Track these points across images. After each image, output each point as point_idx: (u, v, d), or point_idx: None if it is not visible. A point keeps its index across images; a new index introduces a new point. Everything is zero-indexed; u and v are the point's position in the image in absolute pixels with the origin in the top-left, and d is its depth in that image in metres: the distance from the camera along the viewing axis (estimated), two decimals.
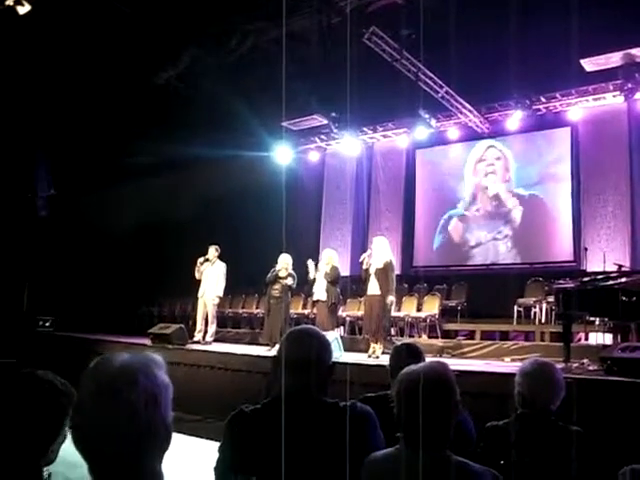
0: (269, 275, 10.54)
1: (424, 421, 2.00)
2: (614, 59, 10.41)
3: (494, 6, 10.25)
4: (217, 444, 2.23)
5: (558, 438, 2.89)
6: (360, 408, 2.22)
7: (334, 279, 10.04)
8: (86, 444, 1.31)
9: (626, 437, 4.95)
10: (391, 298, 9.20)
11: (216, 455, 2.19)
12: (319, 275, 10.14)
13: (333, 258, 10.33)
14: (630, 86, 10.93)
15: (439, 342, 10.75)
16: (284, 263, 10.47)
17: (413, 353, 3.54)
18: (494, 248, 13.25)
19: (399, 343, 3.89)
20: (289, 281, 10.43)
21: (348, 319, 12.21)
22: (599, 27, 9.50)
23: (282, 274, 10.46)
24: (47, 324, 14.37)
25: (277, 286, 10.49)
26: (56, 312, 14.66)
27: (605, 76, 11.08)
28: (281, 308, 10.40)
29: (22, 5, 9.17)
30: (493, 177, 13.58)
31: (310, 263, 10.33)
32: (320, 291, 10.05)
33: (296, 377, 2.15)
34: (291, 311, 12.73)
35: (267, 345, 10.22)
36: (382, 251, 9.37)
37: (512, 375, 3.17)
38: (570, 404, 3.44)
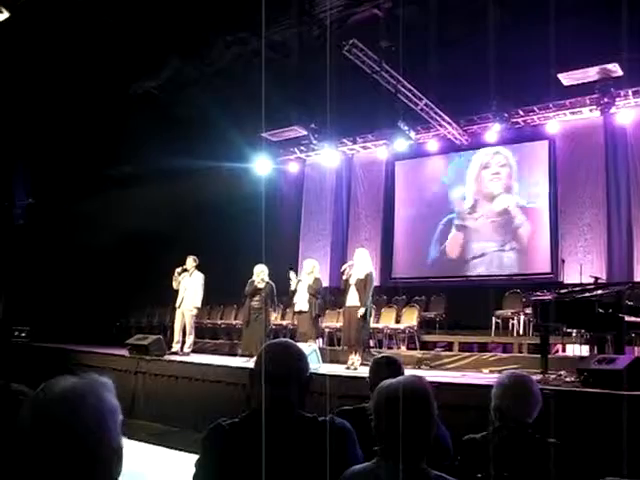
0: (248, 288, 10.48)
1: (403, 434, 2.00)
2: (591, 74, 10.54)
3: (473, 20, 10.35)
4: (195, 457, 2.22)
5: (535, 451, 2.89)
6: (339, 423, 2.22)
7: (316, 291, 10.00)
8: (29, 473, 1.25)
9: (603, 449, 4.98)
10: (362, 310, 9.12)
11: (193, 469, 2.17)
12: (301, 286, 10.09)
13: (316, 268, 10.29)
14: (606, 100, 11.07)
15: (418, 353, 10.76)
16: (260, 273, 10.42)
17: (393, 366, 3.54)
18: (498, 259, 13.09)
19: (379, 356, 3.88)
20: (274, 314, 10.45)
21: (327, 330, 12.20)
22: (576, 42, 9.62)
23: (260, 285, 10.42)
24: (23, 334, 14.18)
25: (257, 297, 10.44)
26: (32, 322, 14.48)
27: (582, 90, 11.22)
28: (261, 320, 10.35)
29: (0, 12, 9.11)
30: (498, 185, 13.42)
31: (292, 275, 10.28)
32: (302, 302, 9.98)
33: (275, 390, 2.14)
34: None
35: (246, 356, 10.16)
36: (364, 263, 9.36)
37: (490, 387, 3.17)
38: (547, 416, 3.46)
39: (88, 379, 1.35)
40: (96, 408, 1.29)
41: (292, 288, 10.20)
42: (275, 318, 11.04)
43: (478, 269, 13.28)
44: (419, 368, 9.93)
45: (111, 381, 1.38)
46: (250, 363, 9.40)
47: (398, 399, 2.04)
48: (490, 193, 13.45)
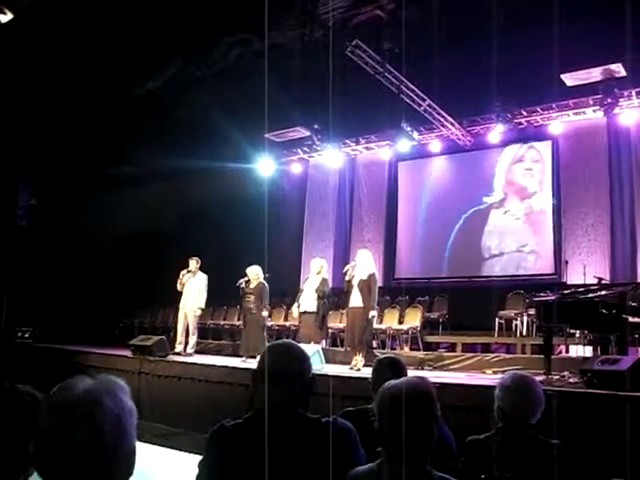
0: (240, 292, 10.72)
1: (406, 436, 2.00)
2: (594, 74, 10.52)
3: (476, 20, 10.33)
4: (198, 458, 2.22)
5: (539, 452, 2.89)
6: (342, 424, 2.21)
7: (324, 293, 9.92)
8: (50, 470, 1.26)
9: (606, 450, 4.97)
10: (373, 313, 9.17)
11: (196, 470, 2.17)
12: (308, 285, 10.07)
13: (324, 267, 10.25)
14: (609, 101, 11.04)
15: (420, 354, 10.75)
16: (253, 274, 10.60)
17: (396, 367, 3.53)
18: (518, 260, 12.89)
19: (382, 356, 3.87)
20: (264, 313, 10.57)
21: (330, 331, 12.18)
22: (580, 42, 9.61)
23: (252, 285, 10.56)
24: (26, 335, 14.21)
25: (251, 298, 10.55)
26: (36, 323, 14.51)
27: (585, 91, 11.20)
28: (254, 320, 10.48)
29: (4, 13, 9.12)
30: (530, 180, 13.15)
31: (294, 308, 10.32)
32: (308, 303, 9.88)
33: (278, 391, 2.13)
34: (272, 323, 12.79)
35: (245, 357, 10.30)
36: (366, 264, 9.34)
37: (493, 388, 3.17)
38: (551, 417, 3.45)
39: (105, 381, 1.36)
40: (114, 410, 1.30)
41: (294, 314, 10.32)
42: (269, 317, 11.21)
43: (495, 268, 13.13)
44: (422, 369, 9.92)
45: (126, 384, 1.40)
46: (250, 363, 9.50)
47: (401, 400, 2.04)
48: (522, 189, 13.19)
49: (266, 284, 10.63)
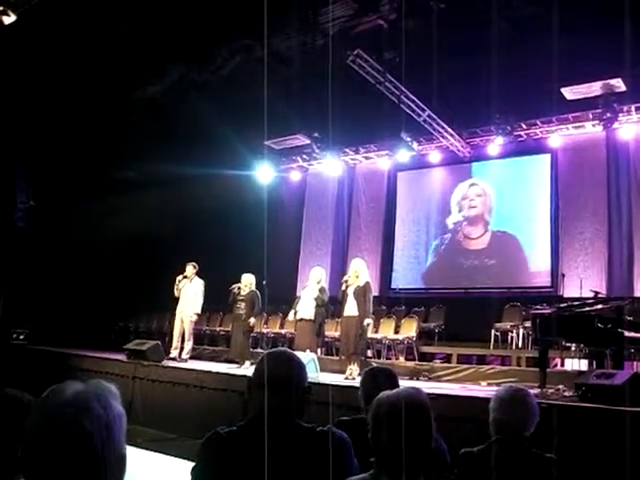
0: (230, 298, 10.94)
1: (404, 446, 1.99)
2: (594, 88, 10.56)
3: (477, 32, 10.36)
4: (191, 464, 2.20)
5: (532, 465, 2.89)
6: (337, 434, 2.20)
7: (324, 302, 9.97)
8: (37, 475, 1.25)
9: (599, 464, 4.97)
10: (368, 320, 9.20)
11: (189, 477, 2.16)
12: (306, 294, 10.08)
13: (323, 276, 10.35)
14: (609, 115, 11.07)
15: (416, 364, 10.74)
16: (247, 282, 10.85)
17: (389, 378, 3.51)
18: (478, 273, 13.16)
19: (370, 367, 3.84)
20: (251, 321, 10.75)
21: (325, 339, 12.16)
22: (580, 57, 9.63)
23: (244, 292, 10.78)
24: (21, 337, 14.17)
25: (241, 305, 10.80)
26: (31, 325, 14.47)
27: (585, 105, 11.23)
28: (242, 326, 10.74)
29: (7, 15, 9.10)
30: (475, 211, 13.66)
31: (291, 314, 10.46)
32: (306, 310, 9.89)
33: (273, 399, 2.12)
34: (268, 330, 12.81)
35: (236, 363, 10.48)
36: (361, 273, 9.38)
37: (488, 400, 3.17)
38: (545, 430, 3.45)
39: (94, 385, 1.35)
40: (103, 415, 1.29)
41: (290, 319, 10.67)
42: (259, 325, 11.50)
43: (492, 280, 13.17)
44: (417, 379, 9.92)
45: (116, 389, 1.39)
46: (245, 370, 9.52)
47: (399, 411, 2.03)
48: (469, 217, 13.76)
49: (258, 293, 10.79)
